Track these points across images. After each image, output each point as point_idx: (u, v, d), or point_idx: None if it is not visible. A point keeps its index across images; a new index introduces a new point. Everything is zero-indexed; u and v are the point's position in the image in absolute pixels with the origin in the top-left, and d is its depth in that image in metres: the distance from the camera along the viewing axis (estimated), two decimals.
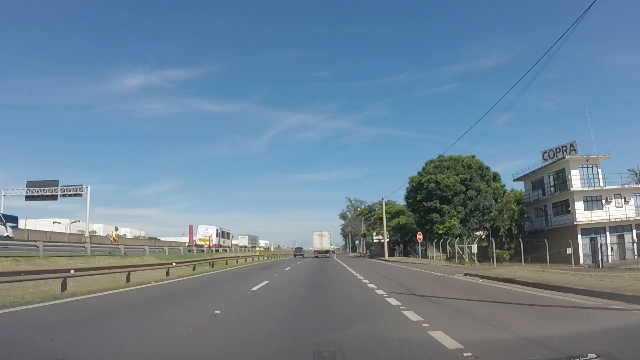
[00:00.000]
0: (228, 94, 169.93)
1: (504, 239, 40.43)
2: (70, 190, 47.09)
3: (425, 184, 41.79)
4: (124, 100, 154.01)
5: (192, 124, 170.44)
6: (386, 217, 50.78)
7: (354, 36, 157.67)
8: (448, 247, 40.12)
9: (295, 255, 64.04)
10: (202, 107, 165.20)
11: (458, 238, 39.35)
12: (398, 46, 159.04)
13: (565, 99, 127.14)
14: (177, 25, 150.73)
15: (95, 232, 55.07)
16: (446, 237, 39.99)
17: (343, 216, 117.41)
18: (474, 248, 36.41)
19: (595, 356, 3.74)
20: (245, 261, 38.88)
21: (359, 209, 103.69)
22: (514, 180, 45.83)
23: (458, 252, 37.82)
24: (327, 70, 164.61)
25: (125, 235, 55.83)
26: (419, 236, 42.40)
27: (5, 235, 21.47)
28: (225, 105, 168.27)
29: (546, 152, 38.79)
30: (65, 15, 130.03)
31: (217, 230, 55.95)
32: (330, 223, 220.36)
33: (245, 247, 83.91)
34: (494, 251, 34.82)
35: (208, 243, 49.71)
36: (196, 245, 48.20)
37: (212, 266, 27.55)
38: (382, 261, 38.84)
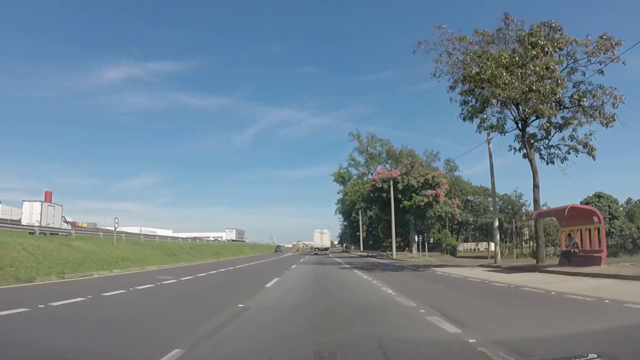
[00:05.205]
0: (212, 89, 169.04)
1: None
2: None
3: None
4: (106, 93, 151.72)
5: (175, 118, 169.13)
6: None
7: (339, 32, 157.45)
8: None
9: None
10: (185, 101, 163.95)
11: None
12: (383, 43, 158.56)
13: None
14: (161, 19, 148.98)
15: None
16: None
17: (341, 177, 61.72)
18: None
19: (596, 356, 3.69)
20: None
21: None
22: None
23: None
24: (312, 66, 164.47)
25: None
26: None
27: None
28: (209, 100, 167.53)
29: None
30: (47, 6, 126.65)
31: None
32: (316, 221, 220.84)
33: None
34: None
35: None
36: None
37: None
38: None
